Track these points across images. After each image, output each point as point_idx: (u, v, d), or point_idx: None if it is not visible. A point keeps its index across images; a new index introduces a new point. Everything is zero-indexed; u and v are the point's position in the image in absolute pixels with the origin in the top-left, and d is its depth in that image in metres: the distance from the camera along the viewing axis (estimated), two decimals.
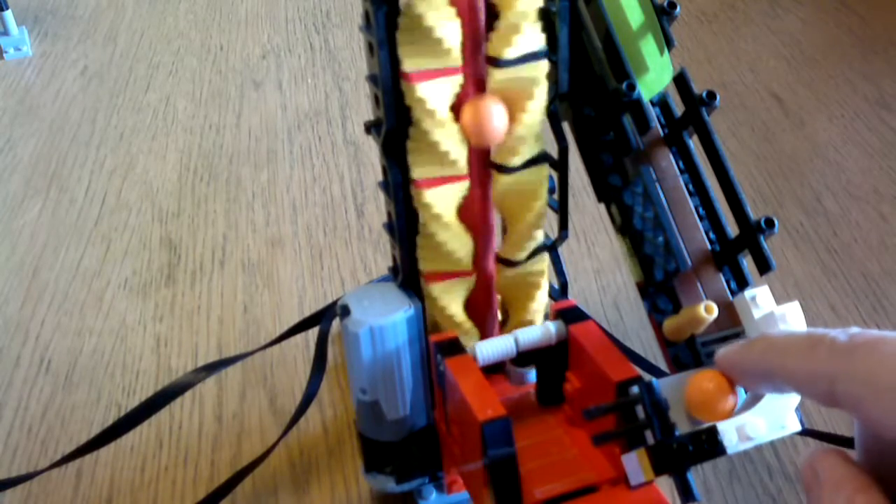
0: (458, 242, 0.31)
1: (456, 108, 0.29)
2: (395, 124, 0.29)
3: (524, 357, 0.32)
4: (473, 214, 0.32)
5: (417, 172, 0.30)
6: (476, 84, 0.29)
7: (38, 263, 0.48)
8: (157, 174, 0.55)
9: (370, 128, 0.31)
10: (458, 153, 0.29)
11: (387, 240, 0.33)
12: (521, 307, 0.34)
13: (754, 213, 0.37)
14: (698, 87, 0.30)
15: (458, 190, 0.30)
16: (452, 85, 0.29)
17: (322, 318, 0.36)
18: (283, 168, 0.55)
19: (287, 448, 0.38)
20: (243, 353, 0.36)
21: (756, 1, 0.76)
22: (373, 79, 0.29)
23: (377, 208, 0.52)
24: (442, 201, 0.30)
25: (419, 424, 0.33)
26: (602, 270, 0.48)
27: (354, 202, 0.53)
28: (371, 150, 0.57)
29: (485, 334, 0.34)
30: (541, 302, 0.34)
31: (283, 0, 0.76)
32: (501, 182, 0.31)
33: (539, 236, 0.32)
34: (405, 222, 0.31)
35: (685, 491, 0.24)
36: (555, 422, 0.32)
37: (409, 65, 0.28)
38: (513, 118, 0.29)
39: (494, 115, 0.28)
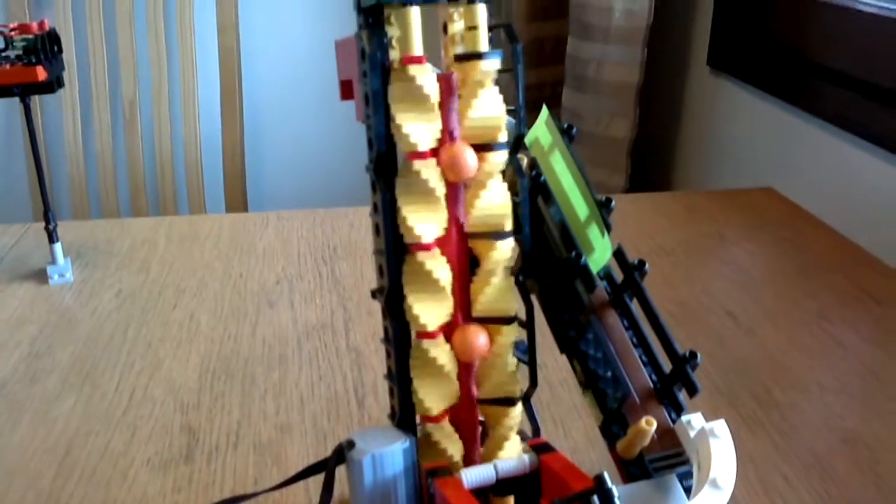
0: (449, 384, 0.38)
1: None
2: (394, 283, 0.37)
3: (503, 485, 0.37)
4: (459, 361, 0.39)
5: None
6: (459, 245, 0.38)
7: (70, 445, 0.54)
8: (179, 374, 0.62)
9: (375, 293, 0.39)
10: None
11: (385, 424, 0.39)
12: (497, 449, 0.40)
13: (711, 406, 0.42)
14: (659, 305, 0.38)
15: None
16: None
17: (329, 461, 0.42)
18: (292, 369, 0.62)
19: None
20: (255, 492, 0.40)
21: (708, 238, 0.87)
22: (379, 252, 0.37)
23: (376, 401, 0.58)
24: (436, 350, 0.37)
25: None
26: (577, 449, 0.53)
27: (356, 396, 0.59)
28: (372, 354, 0.64)
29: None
30: (514, 442, 0.39)
31: (296, 239, 0.87)
32: None
33: (512, 383, 0.39)
34: (402, 369, 0.38)
35: None
36: None
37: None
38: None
39: None
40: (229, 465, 0.52)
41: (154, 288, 0.76)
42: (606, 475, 0.31)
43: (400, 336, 0.38)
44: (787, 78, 1.08)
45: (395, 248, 0.37)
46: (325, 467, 0.39)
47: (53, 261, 0.76)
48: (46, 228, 0.75)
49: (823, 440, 0.54)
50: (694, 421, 0.35)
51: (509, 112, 0.38)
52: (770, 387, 0.60)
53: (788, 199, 0.96)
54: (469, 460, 0.39)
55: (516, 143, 0.38)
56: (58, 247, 0.76)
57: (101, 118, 1.56)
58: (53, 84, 0.70)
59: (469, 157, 0.36)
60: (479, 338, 0.38)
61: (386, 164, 0.36)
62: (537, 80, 1.54)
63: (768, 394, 0.60)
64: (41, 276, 0.77)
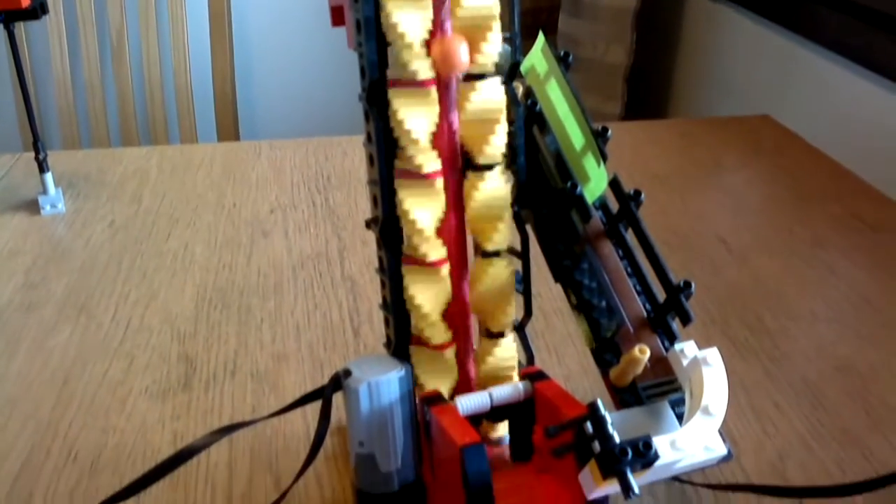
0: (438, 332, 0.37)
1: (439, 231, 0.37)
2: (389, 213, 0.36)
3: (498, 412, 0.38)
4: (455, 313, 0.38)
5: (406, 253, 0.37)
6: (454, 186, 0.37)
7: (68, 375, 0.54)
8: (175, 304, 0.62)
9: (369, 223, 0.39)
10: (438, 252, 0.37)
11: (381, 353, 0.39)
12: (499, 379, 0.40)
13: (704, 334, 0.41)
14: (654, 233, 0.38)
15: (440, 278, 0.37)
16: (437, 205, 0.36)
17: (326, 389, 0.42)
18: (287, 298, 0.63)
19: None
20: (254, 419, 0.41)
21: (703, 166, 0.86)
22: (373, 182, 0.37)
23: (371, 330, 0.59)
24: (424, 296, 0.37)
25: (409, 479, 0.38)
26: (571, 377, 0.54)
27: (351, 325, 0.59)
28: (367, 283, 0.64)
29: None
30: (513, 368, 0.40)
31: (289, 168, 0.86)
32: (476, 266, 0.38)
33: (510, 314, 0.39)
34: (396, 298, 0.38)
35: (625, 487, 0.30)
36: (525, 471, 0.38)
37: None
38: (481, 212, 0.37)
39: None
40: (227, 393, 0.52)
41: (147, 218, 0.75)
42: (600, 402, 0.31)
43: (394, 266, 0.37)
44: (787, 2, 1.06)
45: (388, 179, 0.36)
46: (322, 395, 0.40)
47: (45, 191, 0.76)
48: (36, 158, 0.74)
49: (815, 368, 0.55)
50: (687, 349, 0.35)
51: (504, 40, 0.37)
52: (762, 314, 0.61)
53: (785, 127, 0.96)
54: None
55: (511, 71, 0.37)
56: (48, 177, 0.75)
57: (88, 47, 1.53)
58: (37, 10, 0.69)
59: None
60: (459, 47, 0.34)
61: (378, 93, 0.35)
62: (533, 5, 1.50)
63: (760, 322, 0.60)
64: (33, 207, 0.76)
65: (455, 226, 0.38)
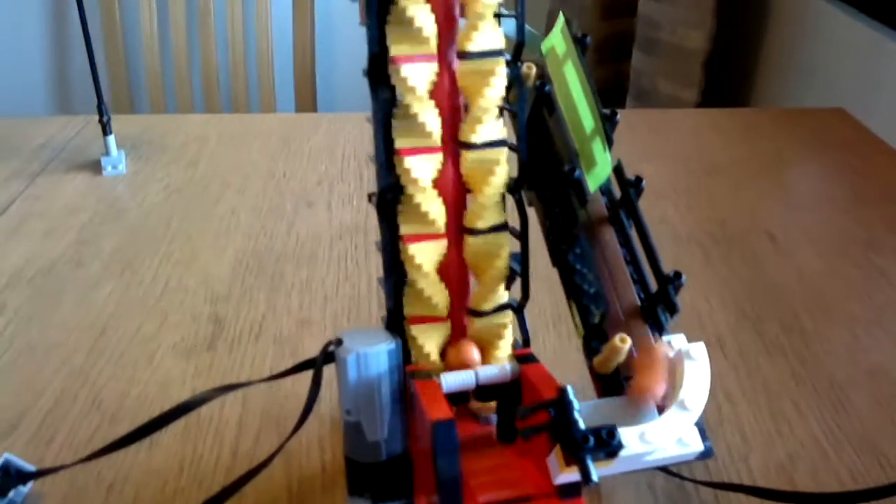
0: (437, 292, 0.38)
1: (437, 182, 0.37)
2: (388, 184, 0.37)
3: (485, 392, 0.38)
4: (450, 271, 0.39)
5: (404, 229, 0.37)
6: (453, 162, 0.37)
7: (105, 327, 0.57)
8: (214, 266, 0.64)
9: (371, 196, 0.39)
10: (438, 215, 0.37)
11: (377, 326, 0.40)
12: (488, 356, 0.40)
13: (733, 329, 0.39)
14: (699, 224, 0.37)
15: (438, 247, 0.38)
16: (434, 161, 0.37)
17: (318, 359, 0.43)
18: (320, 267, 0.64)
19: (287, 480, 0.44)
20: (249, 381, 0.42)
21: (763, 158, 0.83)
22: (373, 157, 0.38)
23: None
24: (423, 255, 0.37)
25: (396, 450, 0.39)
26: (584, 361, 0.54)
27: (378, 298, 0.60)
28: None
29: None
30: (505, 351, 0.40)
31: (343, 141, 0.87)
32: (471, 243, 0.38)
33: (502, 293, 0.39)
34: (391, 271, 0.38)
35: (584, 475, 0.30)
36: (507, 452, 0.38)
37: (400, 143, 0.36)
38: (479, 190, 0.37)
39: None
40: (249, 355, 0.54)
41: (201, 183, 0.78)
42: (570, 388, 0.31)
43: (389, 238, 0.38)
44: None
45: (387, 152, 0.37)
46: (314, 364, 0.41)
47: (107, 153, 0.79)
48: (100, 121, 0.78)
49: (845, 371, 0.53)
50: (675, 341, 0.35)
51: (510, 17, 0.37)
52: (799, 313, 0.59)
53: (858, 122, 0.92)
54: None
55: (516, 51, 0.37)
56: (111, 139, 0.79)
57: (176, 12, 1.58)
58: None
59: None
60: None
61: (378, 68, 0.36)
62: None
63: (796, 319, 0.58)
64: (96, 168, 0.80)
65: (454, 188, 0.38)
